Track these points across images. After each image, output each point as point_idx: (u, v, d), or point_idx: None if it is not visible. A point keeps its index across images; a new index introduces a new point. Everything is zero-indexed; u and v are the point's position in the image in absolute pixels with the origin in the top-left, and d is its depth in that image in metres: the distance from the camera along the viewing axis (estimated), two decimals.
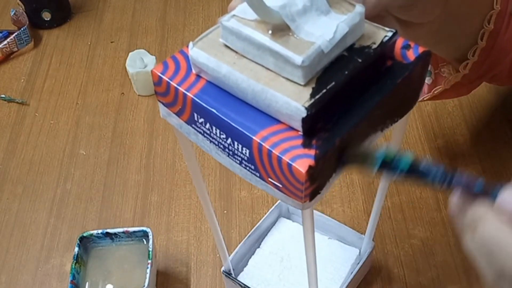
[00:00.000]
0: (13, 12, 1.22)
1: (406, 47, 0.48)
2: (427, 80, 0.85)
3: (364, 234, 0.78)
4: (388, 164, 0.43)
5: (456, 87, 0.81)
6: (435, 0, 0.62)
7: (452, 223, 0.87)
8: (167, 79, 0.48)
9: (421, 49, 0.49)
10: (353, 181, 0.94)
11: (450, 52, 0.77)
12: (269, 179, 0.45)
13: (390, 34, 0.46)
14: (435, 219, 0.88)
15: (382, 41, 0.46)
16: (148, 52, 1.10)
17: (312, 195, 0.44)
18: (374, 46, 0.45)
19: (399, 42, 0.49)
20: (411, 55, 0.48)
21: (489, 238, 0.42)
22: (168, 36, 1.23)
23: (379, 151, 0.43)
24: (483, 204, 0.42)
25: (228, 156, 0.47)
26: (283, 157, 0.42)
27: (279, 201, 0.85)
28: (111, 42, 1.23)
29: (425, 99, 0.85)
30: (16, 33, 1.19)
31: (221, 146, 0.47)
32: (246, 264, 0.81)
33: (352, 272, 0.78)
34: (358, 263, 0.79)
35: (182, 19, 1.26)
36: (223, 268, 0.77)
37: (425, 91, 0.86)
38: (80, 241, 0.80)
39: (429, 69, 0.83)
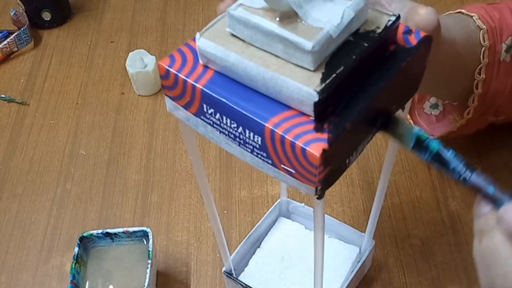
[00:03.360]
0: (13, 12, 1.22)
1: (408, 32, 0.49)
2: (435, 112, 0.88)
3: (364, 232, 0.78)
4: (421, 143, 0.49)
5: (462, 128, 0.85)
6: None
7: (452, 222, 0.87)
8: (174, 72, 0.48)
9: (422, 34, 0.49)
10: (353, 181, 0.94)
11: (447, 98, 0.84)
12: (282, 166, 0.45)
13: (393, 18, 0.47)
14: (435, 219, 0.88)
15: (386, 26, 0.46)
16: (148, 52, 1.10)
17: (325, 180, 0.44)
18: (379, 30, 0.46)
19: (401, 27, 0.49)
20: (413, 39, 0.49)
21: (490, 252, 0.47)
22: (168, 36, 1.23)
23: (416, 129, 0.49)
24: (494, 215, 0.47)
25: (238, 145, 0.47)
26: (297, 142, 0.42)
27: (279, 200, 0.85)
28: (111, 42, 1.23)
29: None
30: (16, 33, 1.19)
31: (232, 135, 0.47)
32: (247, 264, 0.81)
33: (352, 271, 0.78)
34: (359, 262, 0.79)
35: (182, 19, 1.27)
36: (224, 268, 0.77)
37: (433, 121, 0.89)
38: (80, 241, 0.80)
39: (435, 101, 0.85)
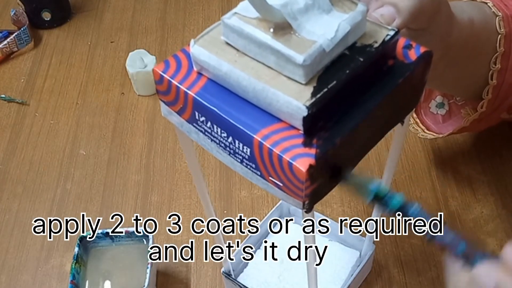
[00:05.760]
0: (13, 12, 1.22)
1: (408, 46, 0.48)
2: (441, 111, 0.88)
3: (365, 236, 0.78)
4: (380, 199, 0.46)
5: (474, 124, 0.83)
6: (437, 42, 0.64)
7: (452, 222, 0.87)
8: (168, 78, 0.48)
9: (422, 49, 0.49)
10: None
11: (459, 92, 0.83)
12: (270, 178, 0.45)
13: (392, 33, 0.46)
14: None
15: (383, 40, 0.45)
16: (148, 52, 1.10)
17: (313, 195, 0.44)
18: (376, 45, 0.45)
19: (401, 41, 0.49)
20: (413, 54, 0.48)
21: None
22: (168, 36, 1.23)
23: (374, 185, 0.46)
24: (466, 276, 0.45)
25: (229, 154, 0.47)
26: (284, 156, 0.42)
27: (280, 202, 0.85)
28: (111, 42, 1.23)
29: (443, 135, 0.88)
30: (16, 33, 1.19)
31: (222, 144, 0.47)
32: (246, 265, 0.81)
33: (352, 275, 0.78)
34: (359, 265, 0.78)
35: (182, 19, 1.27)
36: (223, 269, 0.77)
37: (440, 120, 0.89)
38: (80, 241, 0.80)
39: (441, 101, 0.85)
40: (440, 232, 0.45)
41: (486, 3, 0.75)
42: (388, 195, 0.46)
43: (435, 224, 0.45)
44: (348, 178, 0.46)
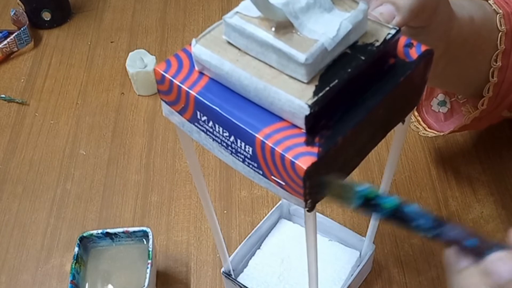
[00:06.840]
0: (13, 12, 1.22)
1: (409, 45, 0.48)
2: (442, 109, 0.88)
3: (365, 236, 0.78)
4: (370, 202, 0.42)
5: (475, 122, 0.83)
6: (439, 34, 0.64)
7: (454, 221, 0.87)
8: (169, 77, 0.48)
9: (423, 47, 0.49)
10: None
11: (460, 90, 0.83)
12: (272, 177, 0.45)
13: (393, 31, 0.46)
14: None
15: (385, 39, 0.45)
16: (148, 52, 1.10)
17: (315, 193, 0.44)
18: (377, 43, 0.45)
19: (402, 40, 0.49)
20: (414, 53, 0.48)
21: None
22: (168, 36, 1.23)
23: (361, 187, 0.42)
24: (477, 269, 0.41)
25: (231, 154, 0.47)
26: (286, 155, 0.42)
27: (280, 202, 0.85)
28: (111, 42, 1.23)
29: (444, 134, 0.88)
30: (16, 33, 1.19)
31: (224, 144, 0.47)
32: (246, 265, 0.81)
33: (352, 275, 0.78)
34: (359, 265, 0.79)
35: (182, 19, 1.27)
36: (223, 269, 0.77)
37: (441, 119, 0.89)
38: (80, 241, 0.80)
39: (443, 99, 0.85)
40: (446, 228, 0.41)
41: (487, 0, 0.75)
42: (380, 196, 0.42)
43: (438, 223, 0.42)
44: (325, 187, 0.44)
